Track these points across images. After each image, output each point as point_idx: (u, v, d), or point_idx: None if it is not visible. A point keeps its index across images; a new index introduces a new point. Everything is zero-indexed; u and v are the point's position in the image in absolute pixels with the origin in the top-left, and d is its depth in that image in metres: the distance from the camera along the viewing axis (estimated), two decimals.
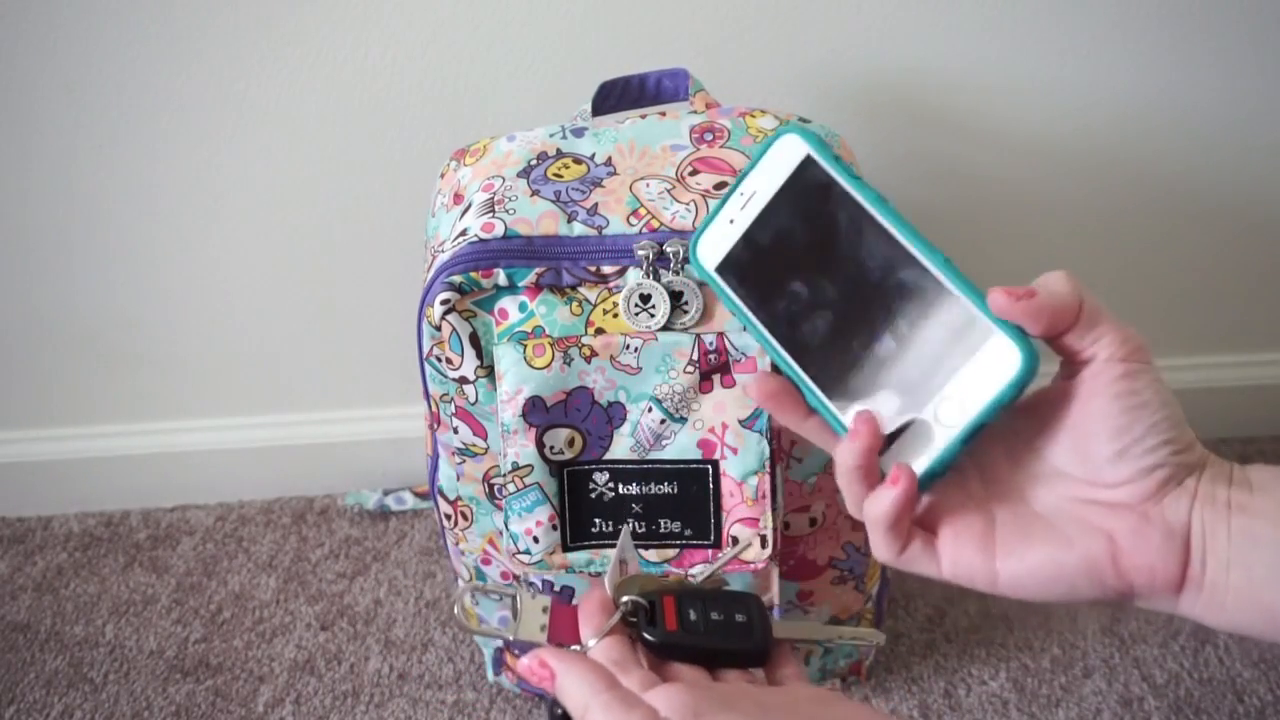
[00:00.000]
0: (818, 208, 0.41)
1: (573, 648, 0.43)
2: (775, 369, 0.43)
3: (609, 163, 0.65)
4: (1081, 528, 0.39)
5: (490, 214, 0.62)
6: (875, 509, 0.39)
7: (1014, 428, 0.41)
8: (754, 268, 0.42)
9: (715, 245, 0.43)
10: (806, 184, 0.41)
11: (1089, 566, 0.38)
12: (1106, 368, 0.38)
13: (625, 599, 0.44)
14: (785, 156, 0.41)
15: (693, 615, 0.44)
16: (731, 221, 0.43)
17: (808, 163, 0.41)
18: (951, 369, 0.38)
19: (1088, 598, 0.39)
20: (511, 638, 0.46)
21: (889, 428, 0.39)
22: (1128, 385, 0.38)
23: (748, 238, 0.42)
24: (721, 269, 0.43)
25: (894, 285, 0.39)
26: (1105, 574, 0.38)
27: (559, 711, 0.40)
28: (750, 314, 0.42)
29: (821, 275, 0.40)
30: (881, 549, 0.40)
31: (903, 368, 0.39)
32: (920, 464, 0.39)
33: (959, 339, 0.38)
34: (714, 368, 0.61)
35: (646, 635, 0.43)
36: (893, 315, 0.39)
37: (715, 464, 0.62)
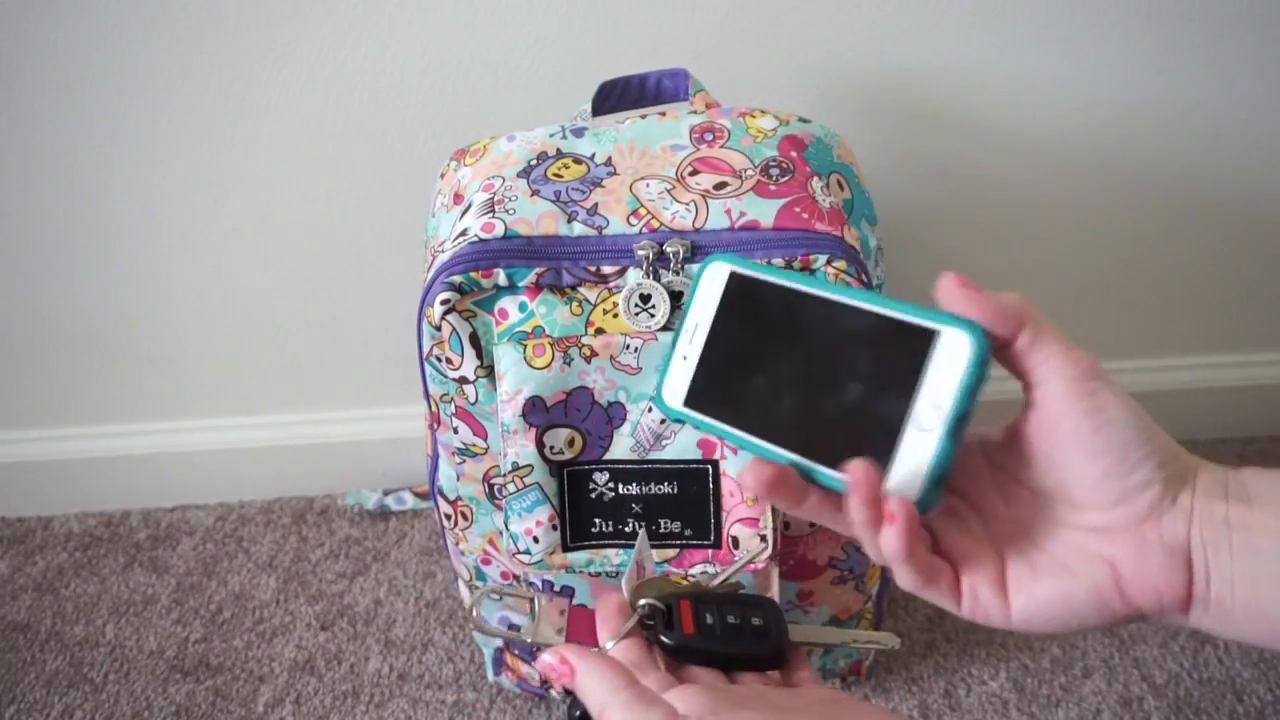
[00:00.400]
0: (755, 309, 0.43)
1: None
2: None
3: (609, 163, 0.65)
4: (1083, 558, 0.39)
5: (490, 214, 0.62)
6: (886, 548, 0.39)
7: (999, 463, 0.42)
8: (717, 386, 0.44)
9: (677, 385, 0.45)
10: (739, 295, 0.44)
11: (1095, 597, 0.38)
12: (1066, 390, 0.38)
13: (643, 602, 0.44)
14: (714, 281, 0.44)
15: (709, 619, 0.44)
16: (685, 358, 0.45)
17: (734, 278, 0.44)
18: (916, 381, 0.39)
19: (1098, 626, 0.39)
20: (529, 640, 0.46)
21: (880, 456, 0.40)
22: (1090, 404, 0.38)
23: (703, 364, 0.44)
24: (689, 402, 0.45)
25: (842, 338, 0.41)
26: (1113, 602, 0.38)
27: (577, 713, 0.40)
28: (728, 428, 0.44)
29: (777, 361, 0.42)
30: (905, 581, 0.40)
31: (874, 402, 0.40)
32: (919, 477, 0.39)
33: (912, 352, 0.39)
34: None
35: (664, 638, 0.43)
36: (850, 362, 0.41)
37: (715, 464, 0.62)
